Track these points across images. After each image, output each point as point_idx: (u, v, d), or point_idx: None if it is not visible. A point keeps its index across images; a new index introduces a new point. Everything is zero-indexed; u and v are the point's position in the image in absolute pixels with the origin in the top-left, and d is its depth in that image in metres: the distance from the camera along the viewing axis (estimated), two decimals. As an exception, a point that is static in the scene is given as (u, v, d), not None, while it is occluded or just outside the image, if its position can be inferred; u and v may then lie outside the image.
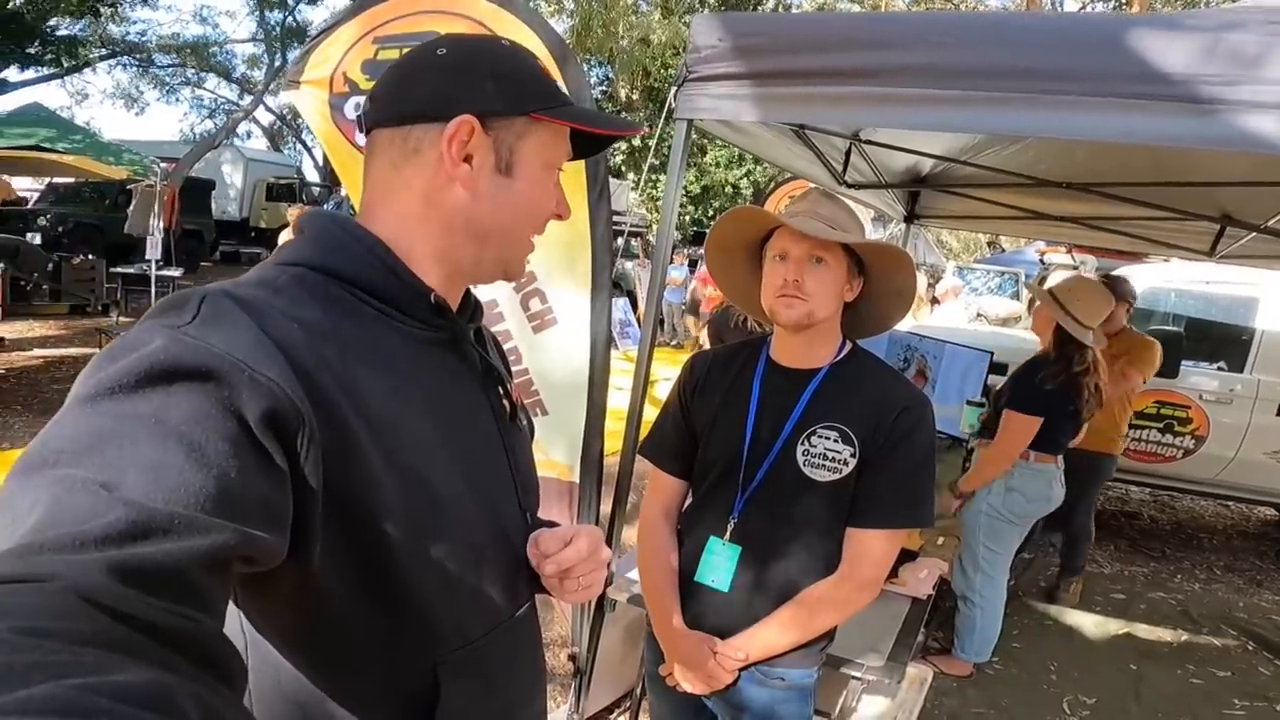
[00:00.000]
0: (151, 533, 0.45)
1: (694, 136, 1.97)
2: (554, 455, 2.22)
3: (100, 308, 9.50)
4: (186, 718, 0.38)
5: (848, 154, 3.28)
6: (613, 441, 2.37)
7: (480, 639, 0.77)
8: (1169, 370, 4.46)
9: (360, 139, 2.36)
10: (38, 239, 10.80)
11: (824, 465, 1.35)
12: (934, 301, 7.48)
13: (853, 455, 1.34)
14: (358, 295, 0.70)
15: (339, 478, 0.62)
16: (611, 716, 2.56)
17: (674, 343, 11.06)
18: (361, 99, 2.35)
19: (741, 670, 1.43)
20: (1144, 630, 3.70)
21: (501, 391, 0.85)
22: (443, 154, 0.72)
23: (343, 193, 17.40)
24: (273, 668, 0.69)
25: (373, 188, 0.77)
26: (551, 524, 0.92)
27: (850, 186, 3.58)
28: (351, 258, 0.71)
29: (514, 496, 0.84)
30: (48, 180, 12.89)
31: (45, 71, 15.71)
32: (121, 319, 8.64)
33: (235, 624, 0.68)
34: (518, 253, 0.81)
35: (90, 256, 9.94)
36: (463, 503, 0.73)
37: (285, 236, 8.54)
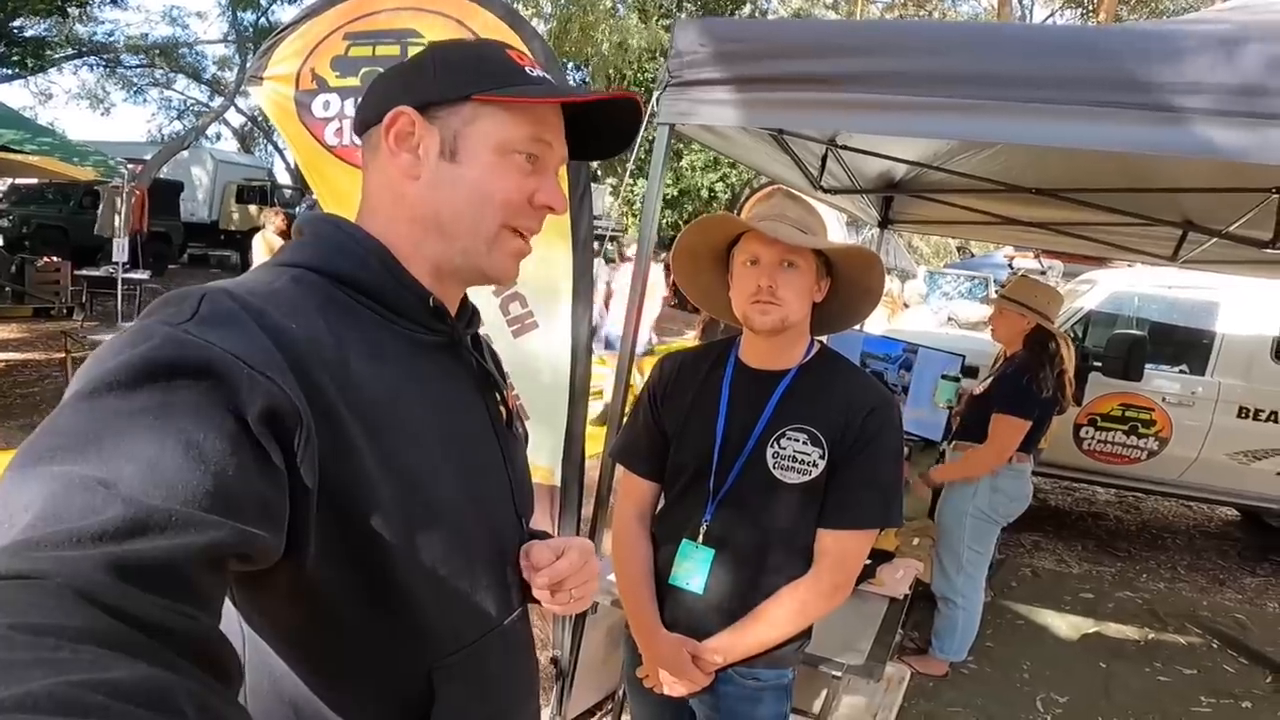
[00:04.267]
0: (148, 529, 0.45)
1: (672, 140, 1.98)
2: (536, 459, 2.21)
3: (65, 311, 9.30)
4: (183, 715, 0.38)
5: (824, 159, 3.32)
6: (592, 445, 2.37)
7: (474, 643, 0.76)
8: (1133, 373, 4.58)
9: (330, 138, 2.33)
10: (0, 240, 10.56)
11: (793, 467, 1.37)
12: (904, 305, 7.59)
13: (821, 457, 1.36)
14: (356, 297, 0.71)
15: (335, 478, 0.62)
16: (594, 719, 2.55)
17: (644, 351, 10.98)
18: (331, 96, 2.27)
19: (718, 671, 1.44)
20: (1113, 629, 3.78)
21: (498, 397, 0.85)
22: (388, 147, 0.74)
23: (314, 195, 17.18)
24: (269, 667, 0.69)
25: (363, 191, 0.78)
26: (543, 534, 0.92)
27: (826, 191, 3.62)
28: (350, 260, 0.72)
29: (510, 502, 0.84)
30: (10, 181, 12.59)
31: (9, 72, 15.34)
32: (87, 322, 8.46)
33: (234, 624, 0.68)
34: (488, 245, 0.76)
35: (55, 259, 9.72)
36: (458, 506, 0.73)
37: (259, 241, 8.42)
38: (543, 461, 2.24)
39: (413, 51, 2.50)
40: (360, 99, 0.79)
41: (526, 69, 0.76)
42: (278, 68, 2.34)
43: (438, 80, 0.74)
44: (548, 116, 0.76)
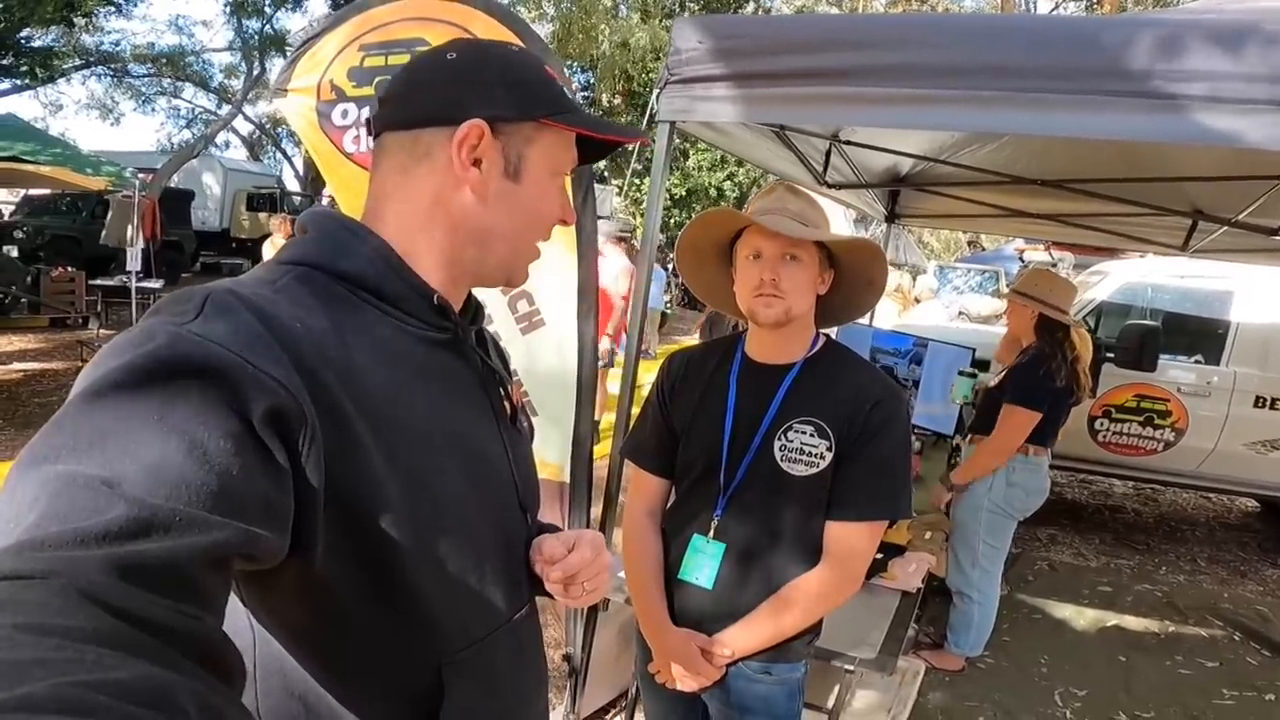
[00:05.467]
0: (152, 530, 0.45)
1: (676, 140, 1.98)
2: (545, 456, 2.22)
3: (80, 320, 9.39)
4: (186, 715, 0.38)
5: (828, 154, 3.30)
6: (600, 446, 2.37)
7: (483, 639, 0.77)
8: (1147, 364, 4.54)
9: (349, 145, 2.38)
10: (14, 251, 10.66)
11: (801, 460, 1.37)
12: (915, 300, 7.56)
13: (829, 449, 1.36)
14: (360, 295, 0.71)
15: (341, 477, 0.62)
16: (607, 717, 2.56)
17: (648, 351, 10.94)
18: (349, 105, 2.34)
19: (729, 666, 1.44)
20: (1132, 622, 3.74)
21: (502, 393, 0.85)
22: (452, 157, 0.73)
23: (324, 201, 17.29)
24: (280, 665, 0.69)
25: (378, 189, 0.77)
26: (552, 527, 0.92)
27: (831, 186, 3.61)
28: (355, 257, 0.72)
29: (514, 498, 0.84)
30: (23, 192, 12.72)
31: (18, 83, 15.50)
32: (102, 331, 8.54)
33: (243, 621, 0.68)
34: (522, 258, 0.82)
35: (70, 269, 9.82)
36: (464, 503, 0.74)
37: (268, 246, 8.47)
38: (552, 458, 2.24)
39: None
40: (388, 96, 0.78)
41: (565, 89, 0.80)
42: (300, 80, 2.41)
43: (509, 97, 0.75)
44: (573, 138, 0.81)
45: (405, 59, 2.31)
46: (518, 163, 0.76)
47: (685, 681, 1.45)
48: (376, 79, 2.28)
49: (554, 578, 0.82)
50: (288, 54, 2.52)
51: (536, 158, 0.77)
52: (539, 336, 2.23)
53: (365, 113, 2.32)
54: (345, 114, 2.36)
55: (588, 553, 0.83)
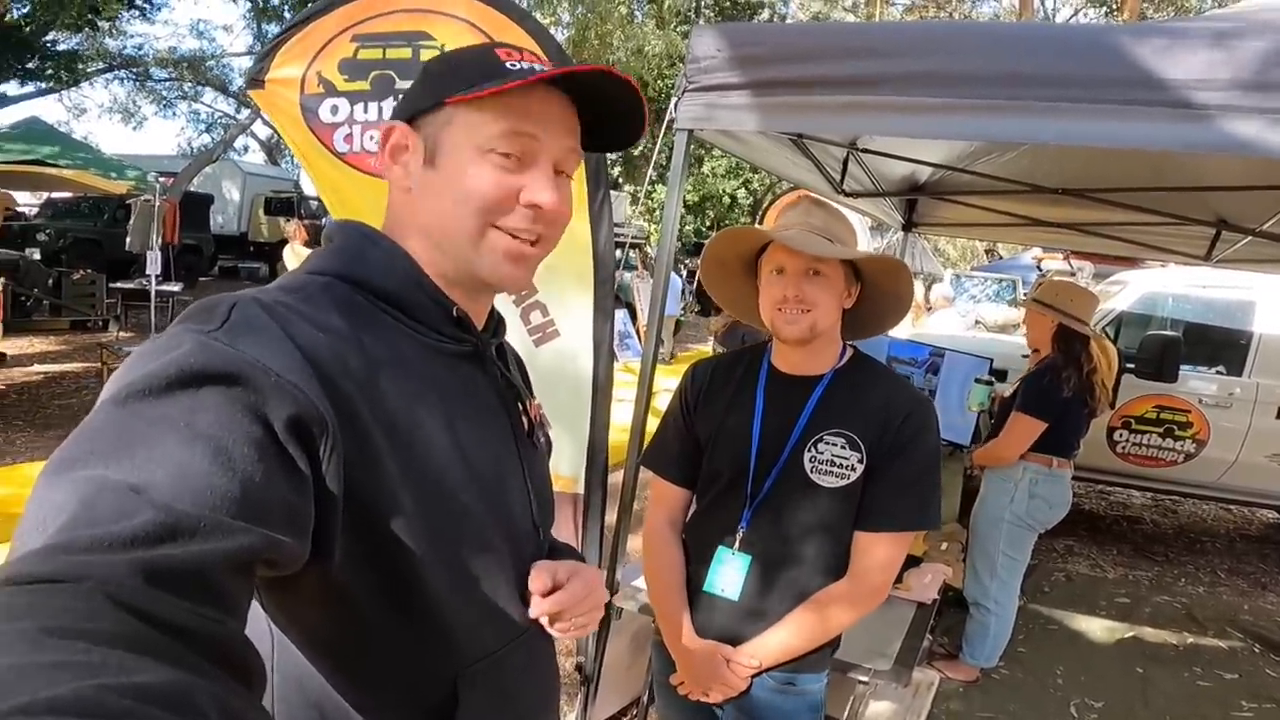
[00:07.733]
0: (178, 535, 0.46)
1: (692, 146, 1.98)
2: (559, 469, 2.21)
3: (101, 323, 9.51)
4: (206, 718, 0.38)
5: (845, 163, 3.29)
6: (615, 453, 2.37)
7: (497, 652, 0.77)
8: (1168, 375, 4.48)
9: (339, 144, 2.24)
10: (37, 254, 10.82)
11: (831, 471, 1.36)
12: (929, 309, 7.51)
13: (860, 460, 1.35)
14: (381, 306, 0.71)
15: (360, 486, 0.62)
16: (617, 726, 2.55)
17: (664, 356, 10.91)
18: (339, 100, 2.15)
19: (753, 677, 1.43)
20: (1149, 634, 3.70)
21: (521, 408, 0.85)
22: (383, 161, 0.76)
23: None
24: (297, 673, 0.70)
25: (390, 200, 0.80)
26: (566, 546, 0.92)
27: (848, 195, 3.60)
28: (376, 269, 0.73)
29: (529, 513, 0.84)
30: (46, 195, 12.91)
31: (43, 86, 15.76)
32: (122, 334, 8.65)
33: (263, 627, 0.69)
34: (471, 248, 0.74)
35: (90, 271, 9.95)
36: (479, 516, 0.74)
37: (288, 252, 8.54)
38: (565, 470, 2.23)
39: (425, 55, 2.33)
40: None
41: (508, 63, 0.72)
42: (281, 71, 2.20)
43: (424, 90, 0.76)
44: (529, 108, 0.72)
45: (405, 53, 2.20)
46: (434, 148, 0.73)
47: (710, 693, 1.45)
48: (372, 73, 2.14)
49: (536, 613, 0.80)
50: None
51: (455, 138, 0.72)
52: (552, 348, 2.20)
53: (359, 109, 2.15)
54: (335, 110, 2.16)
55: (578, 590, 0.81)
